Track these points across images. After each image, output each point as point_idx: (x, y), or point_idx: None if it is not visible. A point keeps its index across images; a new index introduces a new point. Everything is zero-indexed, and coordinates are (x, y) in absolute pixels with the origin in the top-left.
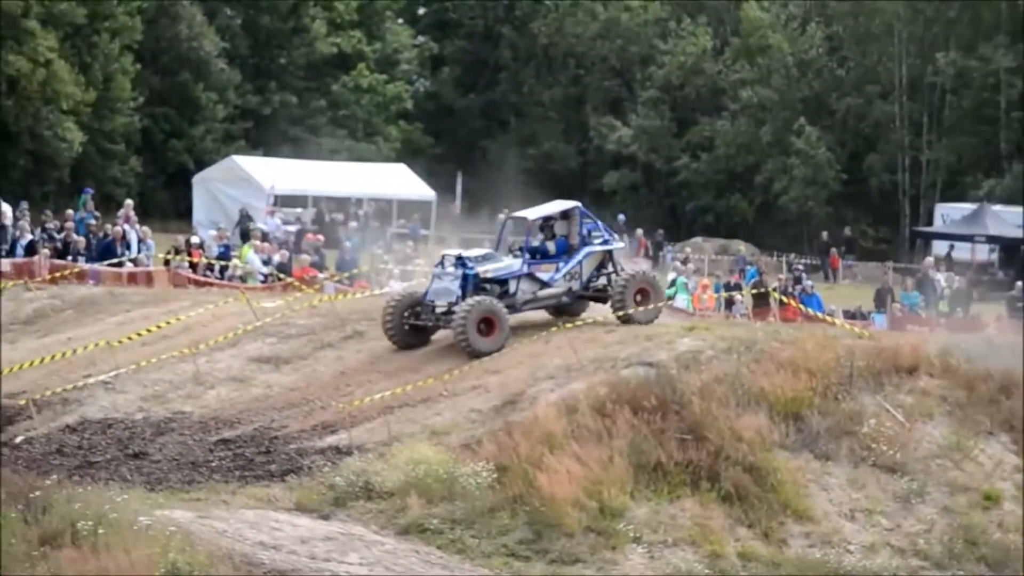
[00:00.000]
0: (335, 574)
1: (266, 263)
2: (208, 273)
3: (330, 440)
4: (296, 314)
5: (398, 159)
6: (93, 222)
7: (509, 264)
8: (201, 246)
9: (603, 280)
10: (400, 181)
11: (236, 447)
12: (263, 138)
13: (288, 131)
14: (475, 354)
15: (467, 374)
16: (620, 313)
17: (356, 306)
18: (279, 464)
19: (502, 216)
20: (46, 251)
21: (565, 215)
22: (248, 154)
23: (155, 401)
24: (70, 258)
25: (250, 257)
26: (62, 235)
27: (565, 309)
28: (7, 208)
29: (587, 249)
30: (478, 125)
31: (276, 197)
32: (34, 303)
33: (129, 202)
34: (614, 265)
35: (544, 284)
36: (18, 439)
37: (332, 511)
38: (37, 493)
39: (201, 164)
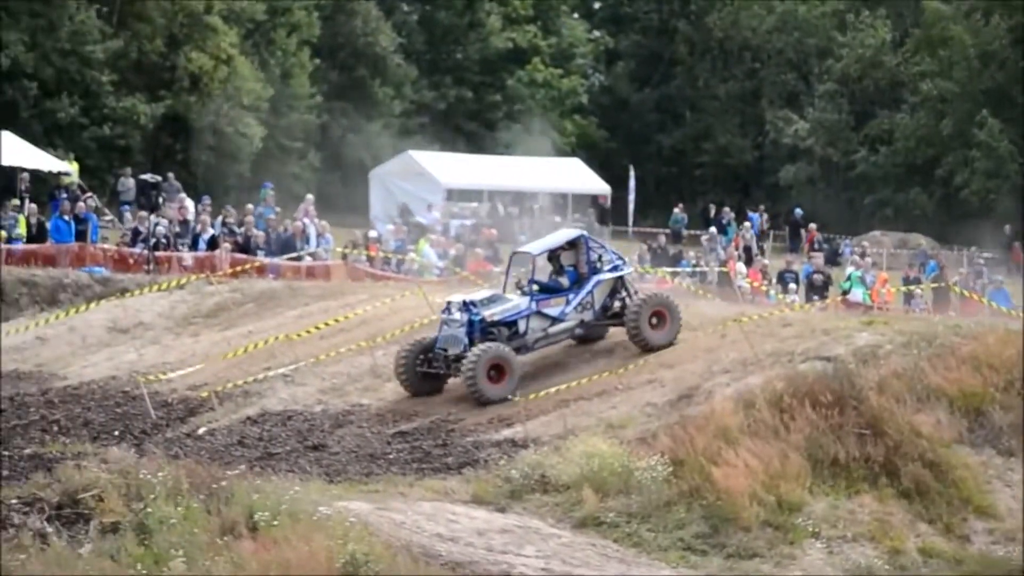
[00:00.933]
0: (512, 566)
1: (441, 257)
2: (385, 267)
3: (506, 433)
4: None
5: (572, 153)
6: (273, 217)
7: (516, 304)
8: (378, 240)
9: (618, 304)
10: (574, 175)
11: (413, 439)
12: (439, 133)
13: (463, 126)
14: (486, 402)
15: (642, 368)
16: (635, 337)
17: None
18: (455, 457)
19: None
20: (227, 245)
21: (571, 244)
22: (424, 149)
23: (333, 394)
24: (250, 252)
25: (426, 251)
26: (243, 230)
27: (584, 337)
28: (189, 203)
29: (596, 278)
30: (652, 119)
31: (451, 192)
32: (215, 297)
33: (309, 197)
34: (627, 289)
35: (555, 320)
36: (200, 430)
37: (508, 504)
38: (220, 484)
39: (378, 159)
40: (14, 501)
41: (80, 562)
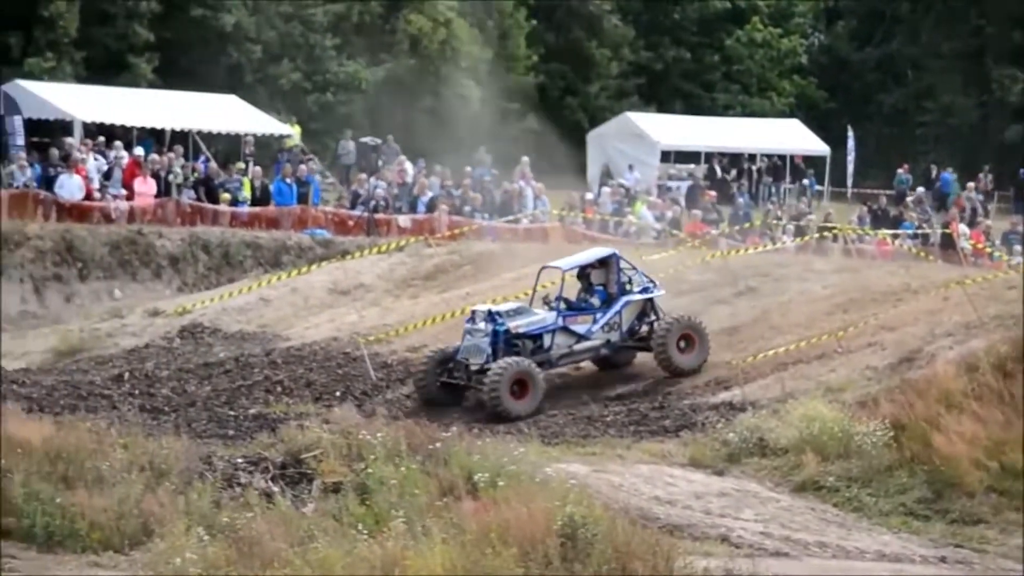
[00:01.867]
0: (730, 530)
1: (658, 220)
2: (602, 229)
3: (723, 396)
4: (688, 269)
5: (791, 114)
6: (489, 179)
7: (542, 318)
8: (595, 202)
9: (646, 328)
10: (793, 136)
11: (630, 402)
12: (656, 94)
13: (681, 87)
14: (508, 418)
15: (862, 331)
16: (663, 361)
17: (749, 262)
18: (673, 420)
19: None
20: (445, 207)
21: (602, 263)
22: (641, 110)
23: None
24: (468, 215)
25: (643, 213)
26: (460, 192)
27: (609, 360)
28: (409, 166)
29: (626, 298)
30: (873, 79)
31: (668, 153)
32: (434, 259)
33: (525, 159)
34: (656, 312)
35: (581, 337)
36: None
37: (726, 467)
38: (437, 445)
39: (595, 121)
40: (240, 460)
41: (304, 521)
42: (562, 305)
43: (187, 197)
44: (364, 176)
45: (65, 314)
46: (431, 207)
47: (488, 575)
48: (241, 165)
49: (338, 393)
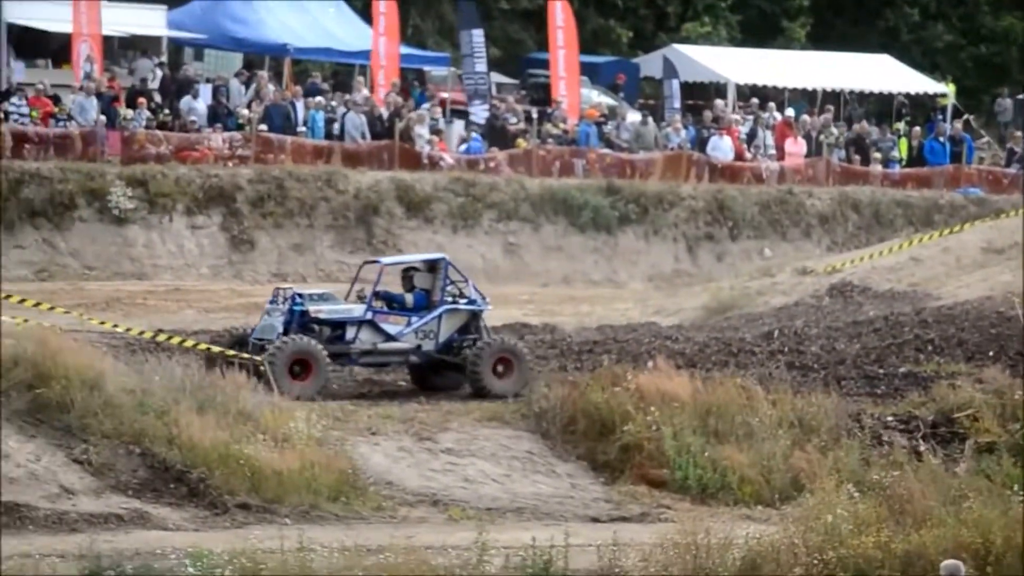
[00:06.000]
0: None
1: None
2: None
3: None
4: None
5: None
6: None
7: (348, 308)
8: None
9: (467, 348)
10: None
11: None
12: None
13: None
14: (292, 397)
15: None
16: (475, 385)
17: None
18: None
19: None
20: None
21: (430, 267)
22: None
23: None
24: None
25: None
26: None
27: (427, 378)
28: None
29: (447, 307)
30: None
31: None
32: None
33: None
34: (479, 331)
35: (389, 337)
36: None
37: None
38: None
39: None
40: (889, 418)
41: (955, 481)
42: (375, 301)
43: (837, 157)
44: (1020, 134)
45: (716, 272)
46: None
47: None
48: (899, 125)
49: (991, 353)
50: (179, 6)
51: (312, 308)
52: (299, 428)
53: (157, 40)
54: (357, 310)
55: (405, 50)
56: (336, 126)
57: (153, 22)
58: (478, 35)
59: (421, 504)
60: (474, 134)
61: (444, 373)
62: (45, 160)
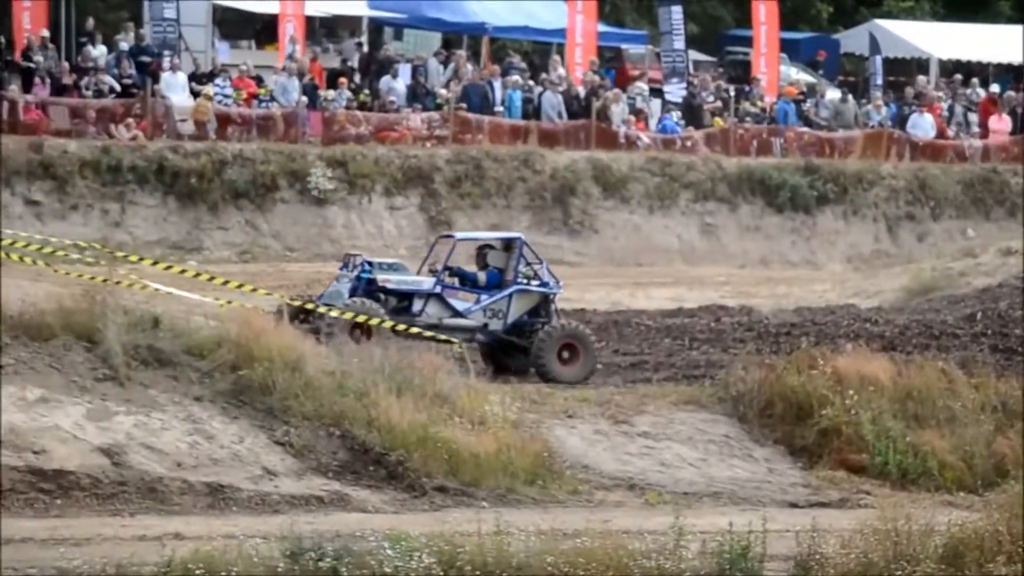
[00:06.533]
0: None
1: None
2: None
3: None
4: None
5: None
6: None
7: (418, 280)
8: None
9: (535, 329)
10: None
11: None
12: None
13: None
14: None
15: None
16: (540, 370)
17: None
18: None
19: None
20: None
21: (505, 245)
22: None
23: None
24: None
25: None
26: None
27: (501, 358)
28: None
29: (518, 287)
30: None
31: None
32: None
33: None
34: (549, 314)
35: (456, 313)
36: None
37: None
38: None
39: None
40: None
41: None
42: (446, 275)
43: None
44: None
45: (917, 252)
46: None
47: None
48: None
49: None
50: None
51: (380, 276)
52: (494, 411)
53: (358, 20)
54: (426, 283)
55: (603, 28)
56: (533, 105)
57: (354, 2)
58: (677, 12)
59: (617, 488)
60: (667, 114)
61: (514, 355)
62: (248, 141)
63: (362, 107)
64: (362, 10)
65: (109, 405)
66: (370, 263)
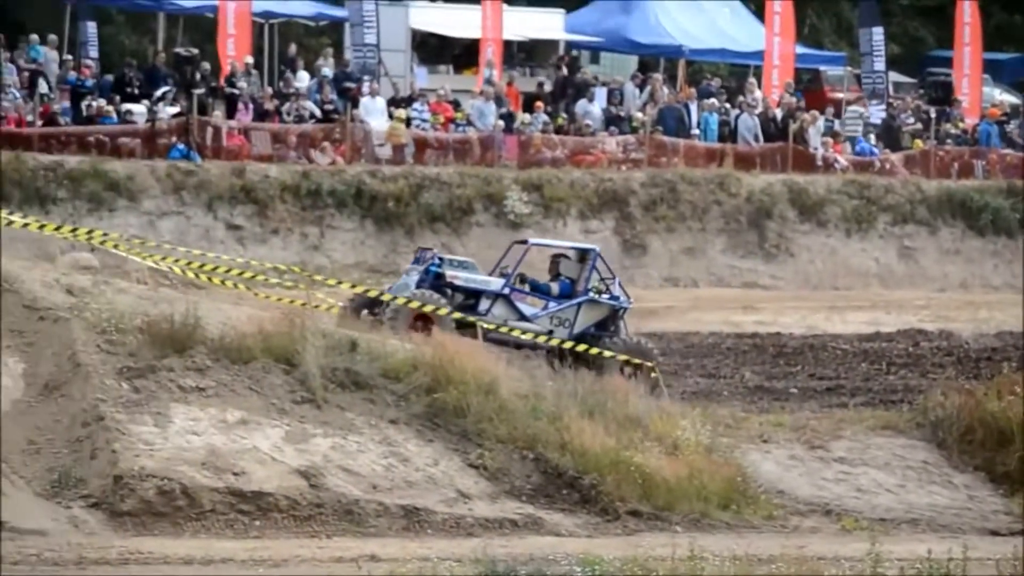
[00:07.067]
0: None
1: None
2: None
3: None
4: None
5: None
6: None
7: (487, 280)
8: None
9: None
10: None
11: None
12: None
13: None
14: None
15: None
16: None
17: None
18: None
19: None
20: None
21: (580, 256)
22: None
23: None
24: None
25: None
26: None
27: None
28: None
29: (588, 298)
30: None
31: None
32: None
33: None
34: (617, 328)
35: (523, 317)
36: None
37: None
38: None
39: None
40: None
41: None
42: (517, 279)
43: None
44: None
45: None
46: None
47: None
48: None
49: None
50: (576, 9)
51: (449, 272)
52: (687, 436)
53: (555, 44)
54: (495, 283)
55: (801, 49)
56: (729, 128)
57: (552, 26)
58: (878, 33)
59: (813, 513)
60: (860, 136)
61: (577, 366)
62: (444, 165)
63: (558, 131)
64: (559, 34)
65: (307, 427)
66: (441, 258)
